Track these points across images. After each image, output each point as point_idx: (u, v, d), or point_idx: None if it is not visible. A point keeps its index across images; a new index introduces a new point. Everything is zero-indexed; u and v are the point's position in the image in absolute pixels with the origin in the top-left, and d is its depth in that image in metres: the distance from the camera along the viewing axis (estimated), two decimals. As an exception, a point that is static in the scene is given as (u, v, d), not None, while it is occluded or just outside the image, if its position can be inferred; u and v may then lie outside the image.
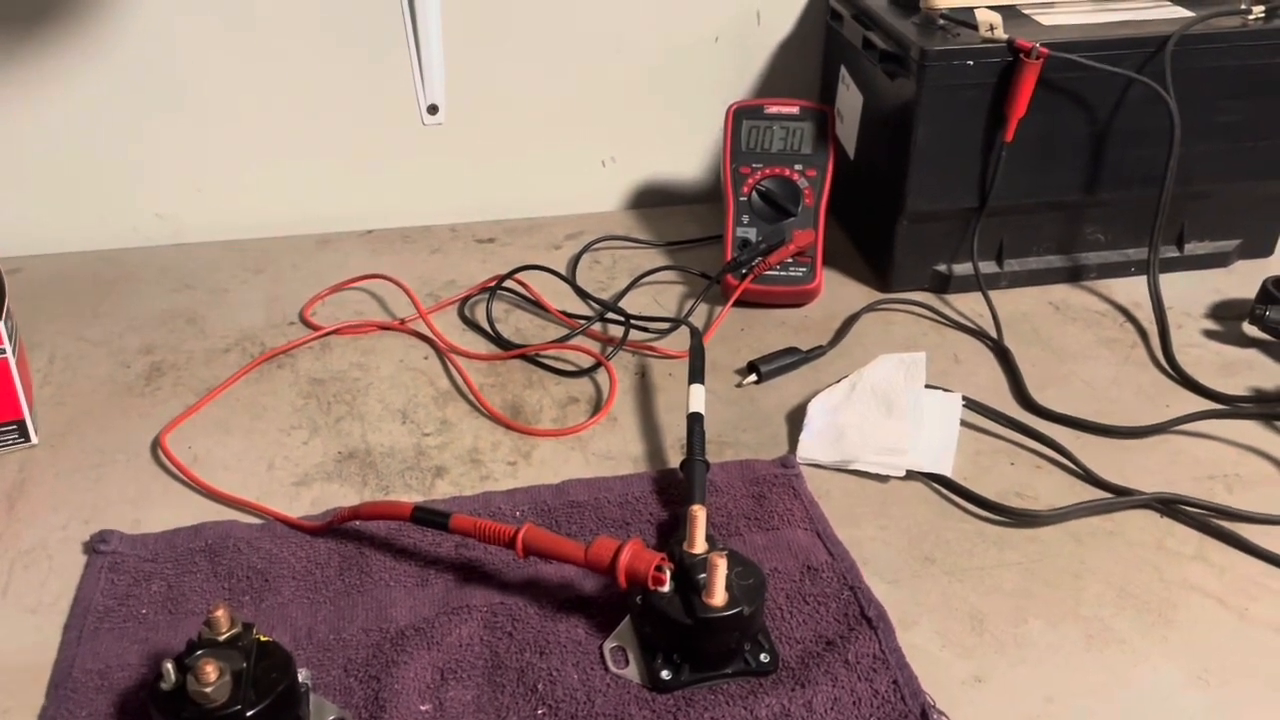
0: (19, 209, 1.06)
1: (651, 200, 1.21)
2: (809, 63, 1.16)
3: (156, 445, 0.81)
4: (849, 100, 1.06)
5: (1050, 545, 0.73)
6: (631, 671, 0.63)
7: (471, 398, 0.88)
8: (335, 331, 0.95)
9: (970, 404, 0.85)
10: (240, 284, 1.03)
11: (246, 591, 0.68)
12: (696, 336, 0.87)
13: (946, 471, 0.78)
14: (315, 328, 0.96)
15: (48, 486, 0.77)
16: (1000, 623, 0.67)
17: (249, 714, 0.54)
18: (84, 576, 0.69)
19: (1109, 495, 0.77)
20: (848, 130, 1.06)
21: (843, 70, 1.08)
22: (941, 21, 0.95)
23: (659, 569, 0.63)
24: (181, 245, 1.10)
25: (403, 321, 0.97)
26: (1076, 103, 0.95)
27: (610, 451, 0.82)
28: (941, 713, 0.60)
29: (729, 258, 1.00)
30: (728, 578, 0.61)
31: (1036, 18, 0.98)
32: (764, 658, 0.63)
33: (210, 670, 0.53)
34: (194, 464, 0.79)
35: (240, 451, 0.81)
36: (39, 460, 0.80)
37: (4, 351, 0.77)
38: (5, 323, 0.77)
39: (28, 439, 0.80)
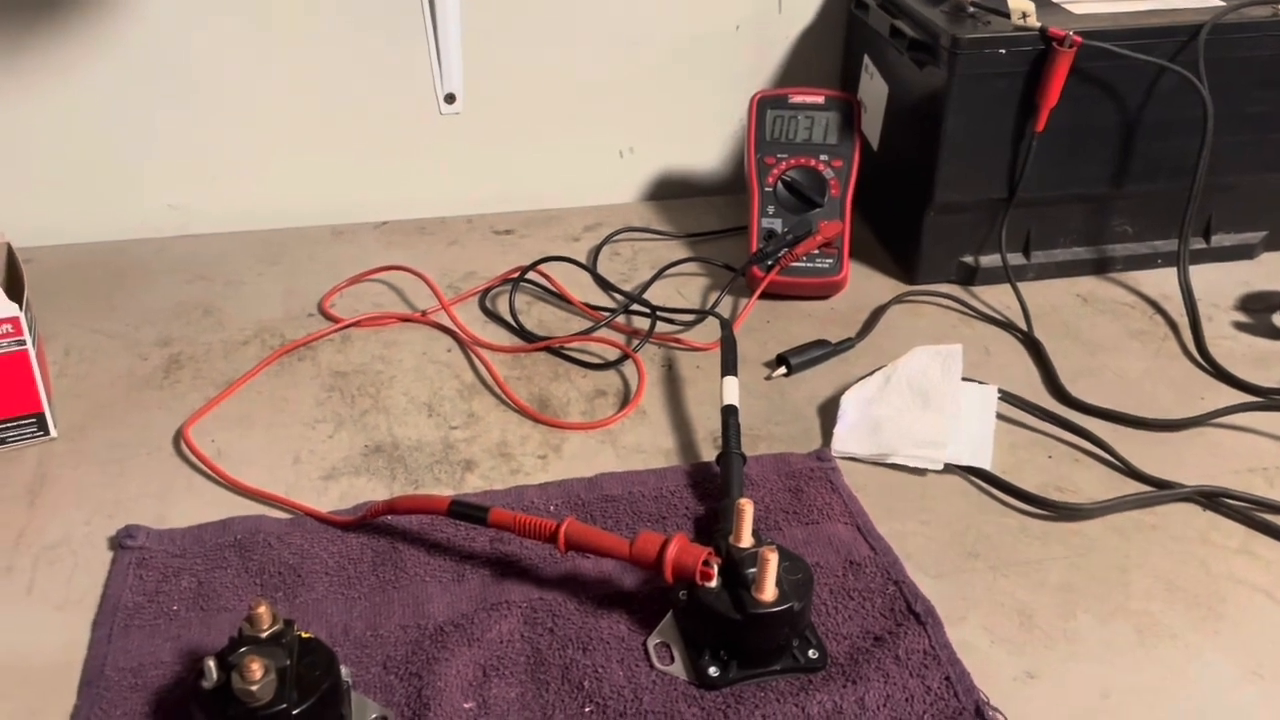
0: (31, 199, 1.04)
1: (670, 192, 1.19)
2: (830, 52, 1.15)
3: (179, 438, 0.79)
4: (873, 90, 1.05)
5: (1094, 539, 0.72)
6: (677, 668, 0.62)
7: (498, 390, 0.86)
8: (356, 324, 0.94)
9: (1005, 396, 0.84)
10: (255, 275, 1.02)
11: (279, 587, 0.66)
12: (727, 328, 0.86)
13: (985, 465, 0.77)
14: (335, 320, 0.94)
15: (69, 481, 0.75)
16: (1049, 617, 0.66)
17: (295, 713, 0.53)
18: (111, 572, 0.67)
19: (1150, 489, 0.76)
20: (872, 121, 1.05)
21: (866, 60, 1.07)
22: (972, 9, 0.94)
23: (707, 563, 0.61)
24: (193, 236, 1.08)
25: (424, 313, 0.95)
26: (1107, 92, 0.94)
27: (641, 445, 0.81)
28: (996, 709, 0.59)
29: (754, 249, 0.98)
30: (777, 572, 0.60)
31: (1067, 6, 0.97)
32: (812, 654, 0.62)
33: (256, 668, 0.52)
34: (218, 458, 0.78)
35: (264, 445, 0.80)
36: (58, 454, 0.78)
37: (24, 343, 0.75)
38: (25, 314, 0.75)
39: (47, 432, 0.78)
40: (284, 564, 0.68)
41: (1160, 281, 1.02)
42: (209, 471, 0.76)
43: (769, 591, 0.60)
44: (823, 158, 0.99)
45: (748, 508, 0.62)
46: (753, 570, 0.60)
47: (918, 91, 0.97)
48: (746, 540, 0.63)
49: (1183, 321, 0.95)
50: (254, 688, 0.52)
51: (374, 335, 0.93)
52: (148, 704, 0.59)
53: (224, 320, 0.94)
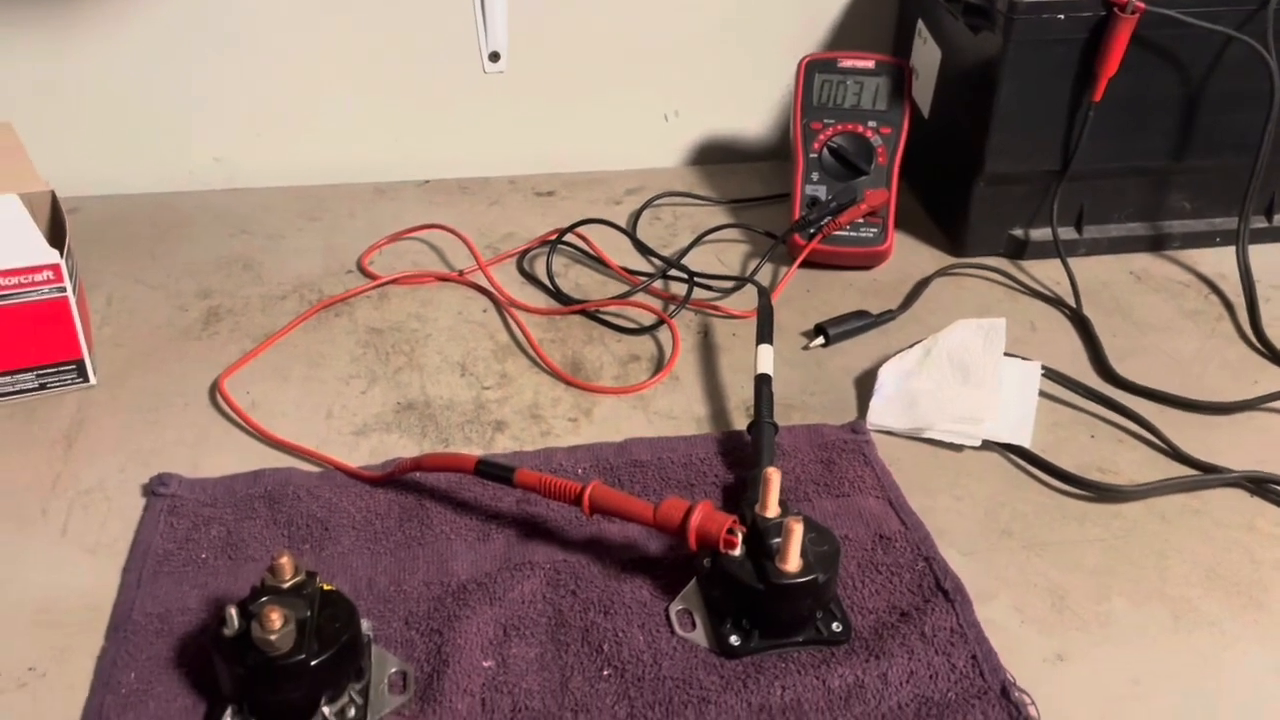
0: (77, 150, 1.05)
1: (714, 157, 1.17)
2: (882, 16, 1.12)
3: (215, 390, 0.80)
4: (925, 56, 1.02)
5: (1134, 522, 0.70)
6: (698, 635, 0.61)
7: (531, 352, 0.86)
8: (393, 281, 0.94)
9: (1049, 373, 0.82)
10: (297, 231, 1.02)
11: (306, 539, 0.67)
12: (764, 296, 0.85)
13: (1025, 443, 0.76)
14: (373, 277, 0.94)
15: (106, 427, 0.76)
16: (1082, 600, 0.65)
17: (313, 664, 0.53)
18: (143, 519, 0.68)
19: (1195, 472, 0.74)
20: (923, 87, 1.02)
21: (920, 24, 1.04)
22: (1030, -27, 0.91)
23: (731, 531, 0.60)
24: (238, 190, 1.09)
25: (461, 273, 0.95)
26: (1170, 62, 0.90)
27: (673, 411, 0.80)
28: (1023, 691, 0.58)
29: (796, 216, 0.97)
30: (802, 543, 0.59)
31: (1131, -29, 0.93)
32: (836, 627, 0.61)
33: (275, 617, 0.52)
34: (252, 410, 0.78)
35: (298, 399, 0.80)
36: (97, 401, 0.79)
37: (64, 290, 0.76)
38: (66, 261, 0.75)
39: (86, 379, 0.79)
40: (312, 516, 0.68)
41: (1217, 260, 0.98)
42: (243, 423, 0.77)
43: (793, 562, 0.59)
44: (871, 124, 0.97)
45: (775, 476, 0.61)
46: (778, 540, 0.59)
47: (971, 57, 0.94)
48: (773, 510, 0.62)
49: (1239, 302, 0.92)
50: (273, 637, 0.52)
51: (411, 293, 0.93)
52: (173, 649, 0.59)
53: (264, 274, 0.95)
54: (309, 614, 0.54)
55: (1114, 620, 0.63)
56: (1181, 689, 0.59)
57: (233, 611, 0.53)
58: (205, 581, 0.64)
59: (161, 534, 0.67)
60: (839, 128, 0.97)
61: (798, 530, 0.58)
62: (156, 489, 0.70)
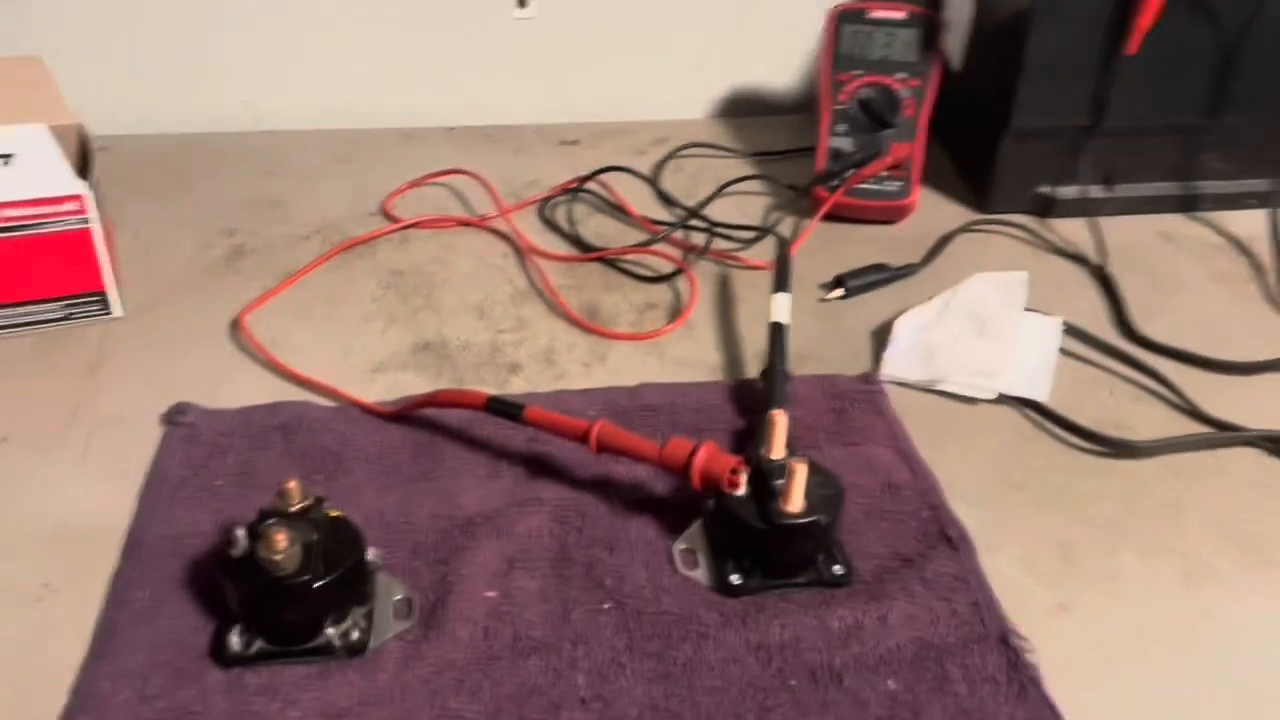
0: (109, 89, 1.06)
1: (741, 109, 1.16)
2: (917, -31, 1.10)
3: (236, 325, 0.81)
4: (958, 7, 1.00)
5: (1148, 479, 0.70)
6: (700, 574, 0.62)
7: (549, 297, 0.86)
8: (416, 224, 0.94)
9: (1070, 330, 0.81)
10: (323, 173, 1.03)
11: (319, 470, 0.68)
12: (783, 245, 0.84)
13: (1041, 398, 0.75)
14: (396, 220, 0.95)
15: (128, 358, 0.78)
16: (1090, 553, 0.64)
17: (317, 585, 0.54)
18: (161, 446, 0.70)
19: (1213, 430, 0.73)
20: (954, 40, 1.00)
21: (954, -24, 1.02)
22: (1067, -79, 0.89)
23: (735, 471, 0.61)
24: (266, 132, 1.09)
25: (483, 218, 0.95)
26: (1208, 15, 0.88)
27: (687, 358, 0.80)
28: (1022, 637, 0.58)
29: (820, 168, 0.96)
30: (806, 485, 0.59)
31: (1171, -79, 0.91)
32: (838, 570, 0.61)
33: (281, 538, 0.53)
34: (272, 345, 0.79)
35: (317, 336, 0.81)
36: (120, 333, 0.80)
37: (87, 220, 0.77)
38: (92, 193, 0.76)
39: (110, 311, 0.81)
40: (326, 449, 0.69)
41: (1249, 223, 0.96)
42: (262, 358, 0.78)
43: (795, 503, 0.59)
44: (899, 76, 0.95)
45: (780, 419, 0.61)
46: (781, 481, 0.59)
47: (1003, 8, 0.92)
48: (779, 452, 0.62)
49: (1269, 265, 0.91)
50: (278, 557, 0.53)
51: (433, 237, 0.93)
52: (185, 570, 0.61)
53: (289, 215, 0.96)
54: (315, 538, 0.55)
55: (1121, 574, 0.63)
56: (1186, 642, 0.59)
57: (240, 533, 0.54)
58: (219, 507, 0.65)
59: (178, 461, 0.68)
60: (867, 79, 0.96)
61: (801, 471, 0.58)
62: (175, 418, 0.71)
